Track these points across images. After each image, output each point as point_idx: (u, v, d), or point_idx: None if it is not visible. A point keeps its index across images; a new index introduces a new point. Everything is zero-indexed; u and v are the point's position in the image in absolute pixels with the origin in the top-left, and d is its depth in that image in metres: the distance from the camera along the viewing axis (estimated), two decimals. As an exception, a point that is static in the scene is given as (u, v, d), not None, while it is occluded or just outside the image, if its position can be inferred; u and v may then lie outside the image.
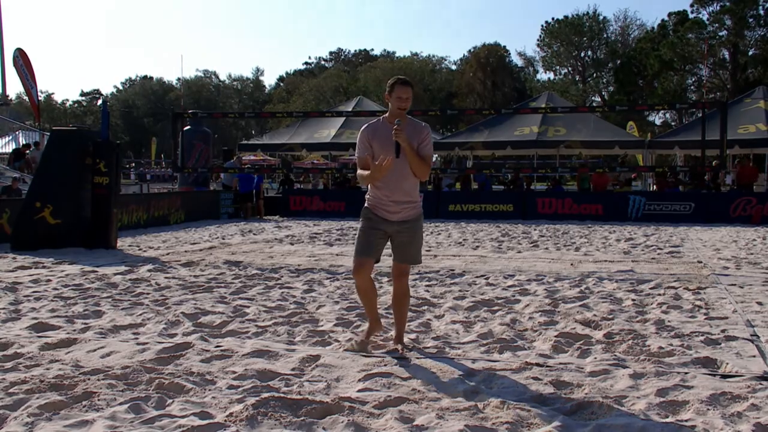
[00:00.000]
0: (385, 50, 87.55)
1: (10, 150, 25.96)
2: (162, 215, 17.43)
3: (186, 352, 4.84)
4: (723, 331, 5.55)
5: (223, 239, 13.85)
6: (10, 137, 30.51)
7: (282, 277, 8.55)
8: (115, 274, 8.60)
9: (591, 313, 6.31)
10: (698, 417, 3.62)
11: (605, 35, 66.85)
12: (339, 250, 11.67)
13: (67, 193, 11.37)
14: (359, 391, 4.01)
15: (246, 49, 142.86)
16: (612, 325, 5.74)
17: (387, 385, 4.13)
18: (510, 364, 4.57)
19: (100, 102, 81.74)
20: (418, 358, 4.74)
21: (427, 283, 8.06)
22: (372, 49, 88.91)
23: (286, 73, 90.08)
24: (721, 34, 53.81)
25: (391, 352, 4.85)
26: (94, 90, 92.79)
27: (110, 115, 12.72)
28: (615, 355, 4.83)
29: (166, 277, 8.43)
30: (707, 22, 54.23)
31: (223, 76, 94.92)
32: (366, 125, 4.89)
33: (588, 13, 66.15)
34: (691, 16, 55.31)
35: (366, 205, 4.89)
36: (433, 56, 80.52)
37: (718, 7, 53.45)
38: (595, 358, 4.79)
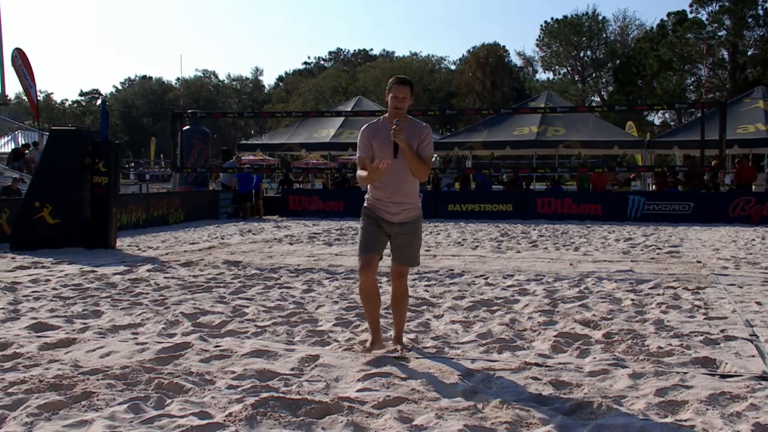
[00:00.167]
0: (384, 50, 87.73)
1: (10, 150, 25.93)
2: (161, 215, 17.43)
3: (185, 352, 4.84)
4: (722, 330, 5.55)
5: (223, 239, 13.84)
6: (9, 137, 30.48)
7: (281, 277, 8.55)
8: (115, 274, 8.60)
9: (590, 313, 6.31)
10: (697, 417, 3.62)
11: (604, 35, 66.88)
12: (338, 250, 11.67)
13: (67, 193, 11.37)
14: (358, 391, 4.01)
15: (245, 48, 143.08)
16: (611, 325, 5.74)
17: (386, 385, 4.13)
18: (509, 364, 4.57)
19: (99, 102, 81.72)
20: (417, 358, 4.74)
21: (427, 283, 8.06)
22: (371, 49, 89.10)
23: (286, 73, 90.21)
24: (720, 34, 53.84)
25: (390, 352, 4.85)
26: (94, 90, 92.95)
27: (109, 114, 12.72)
28: (614, 355, 4.83)
29: (165, 277, 8.43)
30: (706, 22, 54.27)
31: (222, 76, 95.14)
32: (366, 125, 4.86)
33: (587, 13, 66.26)
34: (690, 16, 55.35)
35: (366, 204, 4.86)
36: (433, 56, 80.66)
37: (717, 7, 53.48)
38: (594, 358, 4.79)
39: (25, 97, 36.71)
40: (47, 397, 3.80)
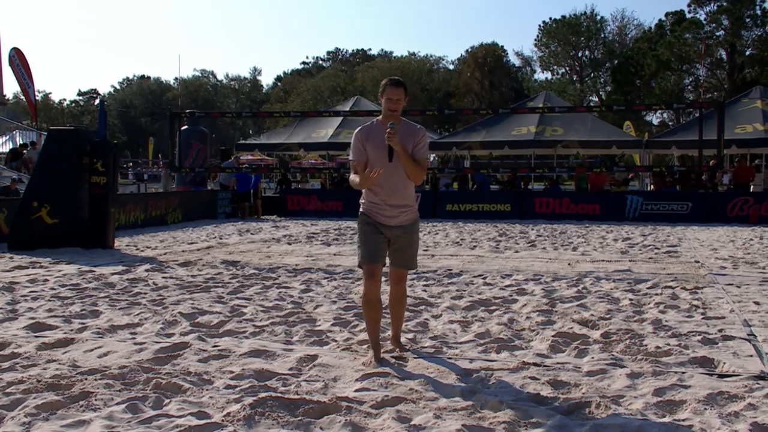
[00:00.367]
0: (382, 50, 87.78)
1: (8, 150, 25.89)
2: (159, 215, 17.42)
3: (183, 351, 4.83)
4: (720, 330, 5.56)
5: (221, 239, 13.84)
6: (7, 137, 30.40)
7: (279, 276, 8.55)
8: (113, 274, 8.59)
9: (588, 312, 6.31)
10: (695, 416, 3.63)
11: (603, 35, 66.95)
12: (336, 250, 11.67)
13: (65, 192, 11.36)
14: (356, 390, 4.01)
15: (243, 48, 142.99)
16: (609, 325, 5.75)
17: (384, 384, 4.13)
18: (507, 364, 4.57)
19: (97, 102, 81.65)
20: (415, 357, 4.74)
21: (425, 282, 8.06)
22: (369, 49, 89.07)
23: (284, 73, 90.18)
24: (718, 34, 53.91)
25: (388, 352, 4.85)
26: (92, 90, 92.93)
27: (107, 114, 12.72)
28: (612, 355, 4.84)
29: (163, 277, 8.42)
30: (704, 22, 54.34)
31: (220, 76, 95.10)
32: (359, 128, 4.77)
33: (585, 13, 66.36)
34: (688, 16, 55.41)
35: (362, 210, 4.76)
36: (431, 56, 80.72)
37: (715, 7, 53.57)
38: (593, 357, 4.79)
39: (23, 97, 36.65)
40: (45, 397, 3.80)
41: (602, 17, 67.12)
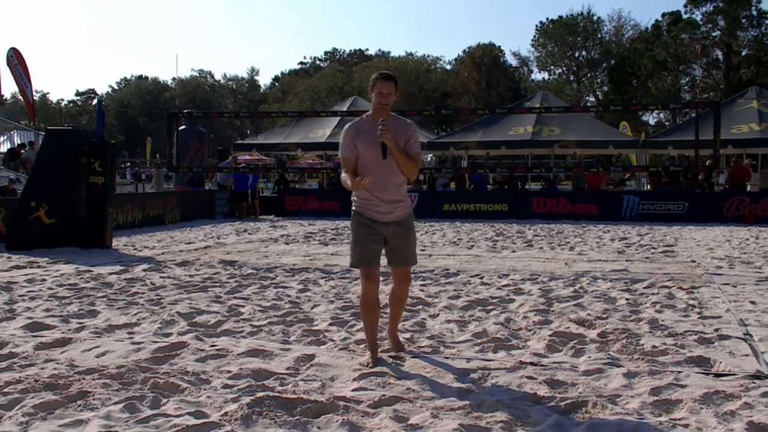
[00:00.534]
0: (380, 50, 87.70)
1: (6, 150, 25.85)
2: (157, 215, 17.41)
3: (181, 351, 4.84)
4: (716, 330, 5.58)
5: (219, 239, 13.84)
6: (5, 137, 30.35)
7: (277, 276, 8.55)
8: (110, 274, 8.59)
9: (585, 312, 6.33)
10: (691, 416, 3.64)
11: (599, 35, 66.92)
12: (334, 250, 11.67)
13: (63, 192, 11.35)
14: (354, 390, 4.02)
15: (241, 48, 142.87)
16: (606, 325, 5.76)
17: (381, 384, 4.14)
18: (504, 364, 4.58)
19: (95, 102, 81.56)
20: (412, 357, 4.75)
21: (422, 282, 8.07)
22: (367, 49, 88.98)
23: (282, 73, 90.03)
24: (714, 34, 53.96)
25: (385, 351, 4.86)
26: (90, 90, 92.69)
27: (105, 114, 12.71)
28: (609, 354, 4.85)
29: (161, 277, 8.42)
30: (701, 23, 54.38)
31: (218, 76, 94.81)
32: (349, 124, 4.70)
33: (582, 13, 66.27)
34: (684, 16, 55.47)
35: (355, 209, 4.69)
36: (428, 56, 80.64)
37: (711, 8, 53.61)
38: (589, 357, 4.80)
39: (20, 97, 36.59)
40: (43, 396, 3.81)
41: (599, 18, 67.20)
